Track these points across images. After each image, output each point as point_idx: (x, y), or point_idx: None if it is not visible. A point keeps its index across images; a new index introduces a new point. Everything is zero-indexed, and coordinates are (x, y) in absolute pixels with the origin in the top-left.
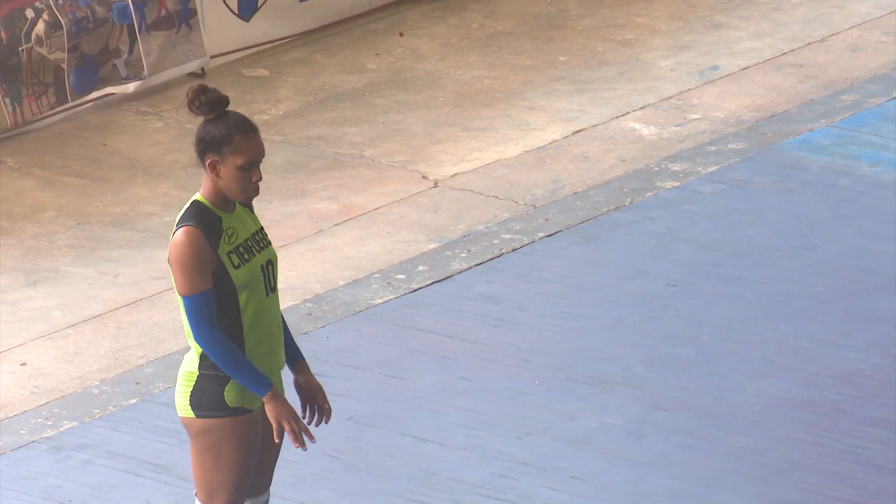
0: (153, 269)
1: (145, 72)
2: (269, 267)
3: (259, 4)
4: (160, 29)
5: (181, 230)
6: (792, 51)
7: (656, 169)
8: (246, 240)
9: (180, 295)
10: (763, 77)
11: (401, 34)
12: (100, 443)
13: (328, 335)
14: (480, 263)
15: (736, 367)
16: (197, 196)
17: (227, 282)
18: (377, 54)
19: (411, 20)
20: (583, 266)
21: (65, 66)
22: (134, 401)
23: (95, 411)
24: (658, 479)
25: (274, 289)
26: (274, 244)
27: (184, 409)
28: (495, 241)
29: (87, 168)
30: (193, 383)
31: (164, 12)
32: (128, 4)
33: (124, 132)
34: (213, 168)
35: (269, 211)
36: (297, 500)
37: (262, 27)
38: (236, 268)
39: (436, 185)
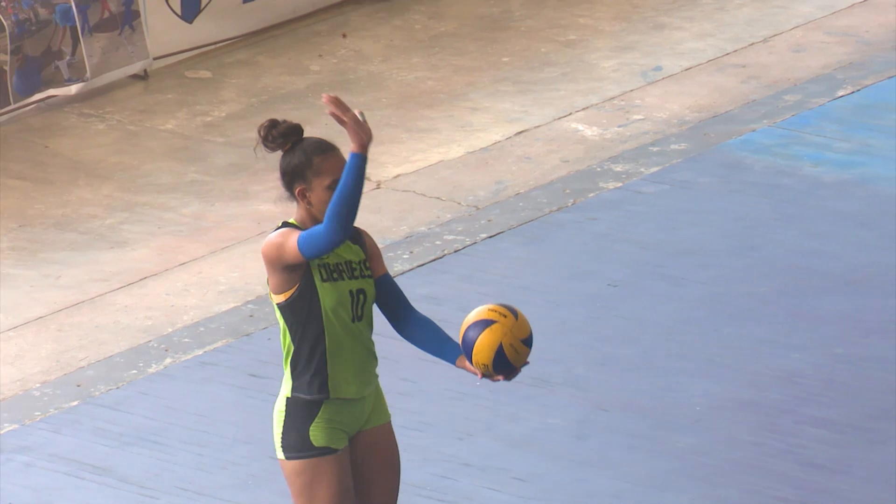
0: (95, 271)
1: (88, 74)
2: (361, 296)
3: (202, 6)
4: (103, 31)
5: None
6: (735, 51)
7: (599, 170)
8: (338, 264)
9: (293, 254)
10: (706, 77)
11: (344, 36)
12: (41, 445)
13: (270, 336)
14: (423, 265)
15: (678, 367)
16: (290, 219)
17: (313, 292)
18: (320, 56)
19: (355, 22)
20: (525, 267)
21: (7, 67)
22: (75, 403)
23: (36, 413)
24: (600, 479)
25: (361, 318)
26: (215, 246)
27: (278, 450)
28: (438, 243)
29: (30, 170)
30: (283, 421)
31: (106, 14)
32: (71, 6)
33: (67, 134)
34: (303, 196)
35: (211, 213)
36: (238, 502)
37: (206, 29)
38: (323, 281)
39: (378, 187)
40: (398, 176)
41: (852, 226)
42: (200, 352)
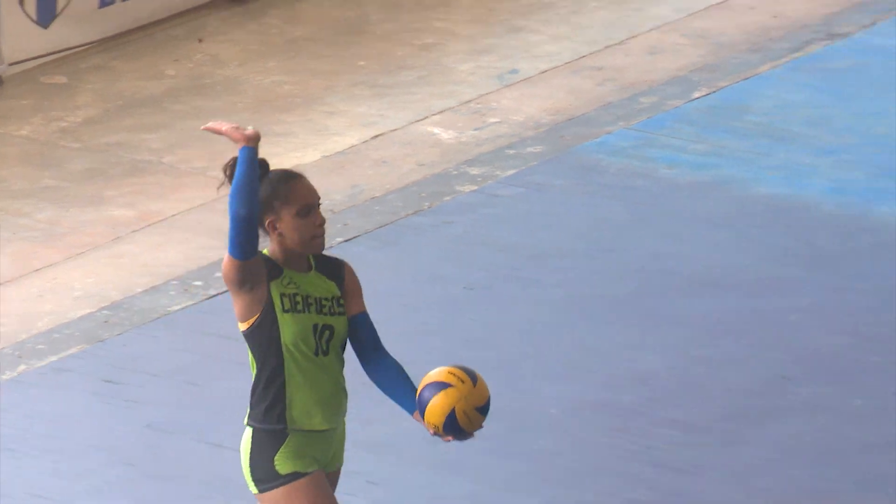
0: None
1: None
2: (327, 332)
3: (58, 11)
4: None
5: None
6: (591, 54)
7: (455, 173)
8: (307, 296)
9: (230, 263)
10: (562, 80)
11: (200, 40)
12: None
13: (125, 342)
14: None
15: (534, 370)
16: (262, 250)
17: (273, 322)
18: (176, 60)
19: (211, 26)
20: (381, 271)
21: None
22: None
23: None
24: (455, 483)
25: (327, 352)
26: (71, 251)
27: (250, 485)
28: None
29: None
30: (249, 452)
31: None
32: None
33: None
34: (273, 228)
35: (66, 219)
36: None
37: (62, 33)
38: (284, 311)
39: None
40: None
41: (707, 227)
42: (55, 358)
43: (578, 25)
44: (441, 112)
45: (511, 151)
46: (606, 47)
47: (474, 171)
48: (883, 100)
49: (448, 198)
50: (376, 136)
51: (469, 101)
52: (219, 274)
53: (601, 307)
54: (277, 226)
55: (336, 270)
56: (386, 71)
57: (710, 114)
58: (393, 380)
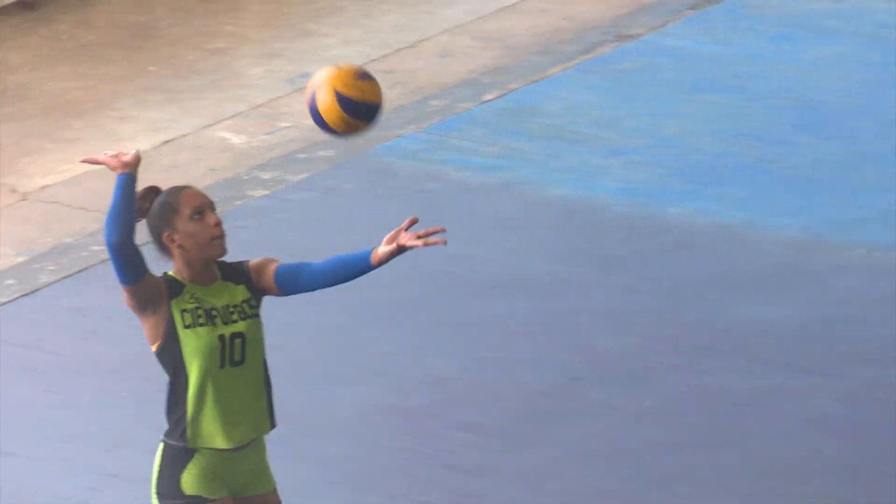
0: None
1: None
2: (237, 339)
3: None
4: None
5: None
6: (382, 57)
7: (246, 177)
8: (210, 309)
9: (123, 287)
10: None
11: None
12: None
13: None
14: (69, 276)
15: (324, 373)
16: (168, 271)
17: (175, 340)
18: None
19: (1, 32)
20: None
21: None
22: None
23: None
24: None
25: (239, 362)
26: None
27: (152, 496)
28: (83, 254)
29: None
30: (158, 465)
31: None
32: None
33: None
34: (172, 241)
35: None
36: None
37: None
38: (185, 327)
39: (24, 198)
40: (44, 187)
41: (498, 230)
42: None
43: (369, 28)
44: (232, 117)
45: (302, 156)
46: (397, 50)
47: (265, 175)
48: (672, 101)
49: (239, 202)
50: (167, 142)
51: (260, 106)
52: (9, 281)
53: (392, 310)
54: (175, 238)
55: (241, 271)
56: (177, 76)
57: (500, 116)
58: (332, 268)
